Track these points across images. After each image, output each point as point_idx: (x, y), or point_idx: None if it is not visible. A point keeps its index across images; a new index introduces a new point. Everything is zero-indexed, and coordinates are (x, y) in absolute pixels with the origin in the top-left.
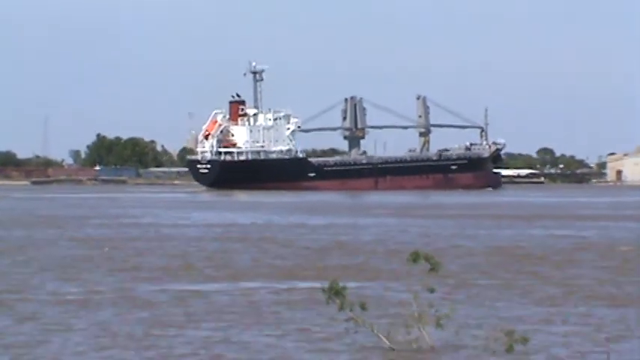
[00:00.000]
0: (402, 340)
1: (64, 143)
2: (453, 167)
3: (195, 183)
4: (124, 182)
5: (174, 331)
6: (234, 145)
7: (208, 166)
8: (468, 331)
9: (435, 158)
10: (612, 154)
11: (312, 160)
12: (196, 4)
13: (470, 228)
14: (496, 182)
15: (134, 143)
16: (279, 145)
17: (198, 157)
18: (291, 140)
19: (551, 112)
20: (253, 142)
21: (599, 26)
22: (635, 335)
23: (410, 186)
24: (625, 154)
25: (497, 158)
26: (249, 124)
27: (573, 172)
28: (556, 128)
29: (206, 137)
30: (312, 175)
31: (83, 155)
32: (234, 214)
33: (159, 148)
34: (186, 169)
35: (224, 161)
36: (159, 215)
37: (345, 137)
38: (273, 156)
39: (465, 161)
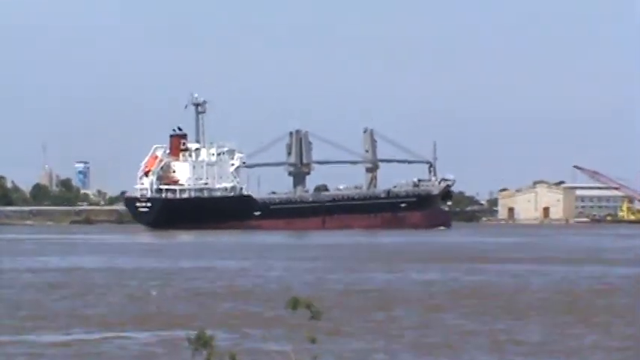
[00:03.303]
0: None
1: None
2: (402, 205)
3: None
4: None
5: None
6: (175, 182)
7: (149, 204)
8: None
9: (383, 196)
10: (504, 190)
11: (258, 197)
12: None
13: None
14: (446, 220)
15: None
16: (224, 181)
17: (137, 194)
18: (235, 177)
19: (441, 147)
20: (196, 178)
21: (493, 65)
22: None
23: (358, 225)
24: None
25: (447, 195)
26: (191, 159)
27: (463, 210)
28: (445, 164)
29: (146, 174)
30: (257, 213)
31: None
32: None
33: (9, 185)
34: (41, 207)
35: (165, 199)
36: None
37: (290, 173)
38: (217, 193)
39: (414, 199)
